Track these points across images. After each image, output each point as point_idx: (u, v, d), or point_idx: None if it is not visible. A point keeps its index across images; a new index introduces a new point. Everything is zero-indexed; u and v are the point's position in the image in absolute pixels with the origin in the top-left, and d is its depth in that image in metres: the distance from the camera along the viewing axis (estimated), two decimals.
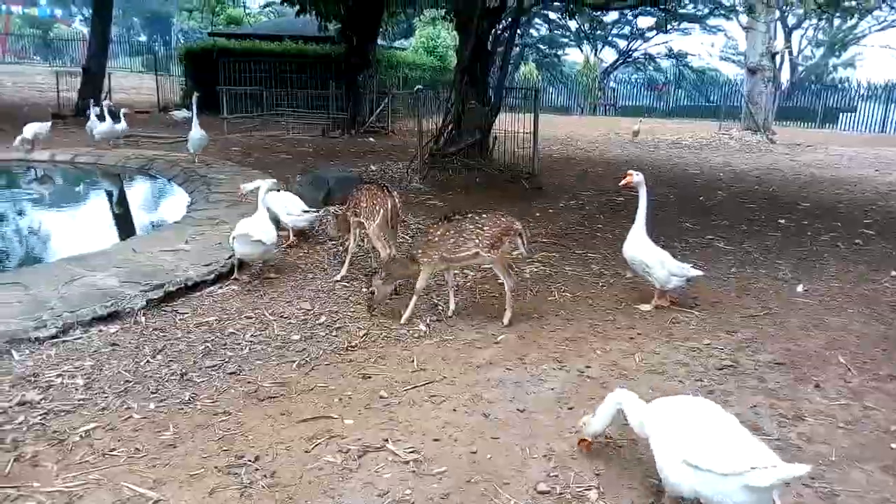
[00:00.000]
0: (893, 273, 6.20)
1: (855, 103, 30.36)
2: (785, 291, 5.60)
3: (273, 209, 6.04)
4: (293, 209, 6.25)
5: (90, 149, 11.68)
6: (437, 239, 4.49)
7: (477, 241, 4.45)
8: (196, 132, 10.56)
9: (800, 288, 5.68)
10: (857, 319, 4.98)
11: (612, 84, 40.14)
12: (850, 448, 3.20)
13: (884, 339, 4.60)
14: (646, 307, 5.01)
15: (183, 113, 16.71)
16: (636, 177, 4.81)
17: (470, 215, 4.56)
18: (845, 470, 3.02)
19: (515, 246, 4.60)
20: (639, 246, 4.93)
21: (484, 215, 4.55)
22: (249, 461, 2.91)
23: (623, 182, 4.81)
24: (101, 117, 12.22)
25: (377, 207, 5.25)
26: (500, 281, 5.57)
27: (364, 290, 4.69)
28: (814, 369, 4.08)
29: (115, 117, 12.18)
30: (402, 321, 4.56)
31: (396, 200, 5.30)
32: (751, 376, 3.96)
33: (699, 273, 5.01)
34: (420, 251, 4.55)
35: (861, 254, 6.95)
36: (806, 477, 2.90)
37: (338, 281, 5.43)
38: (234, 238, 5.10)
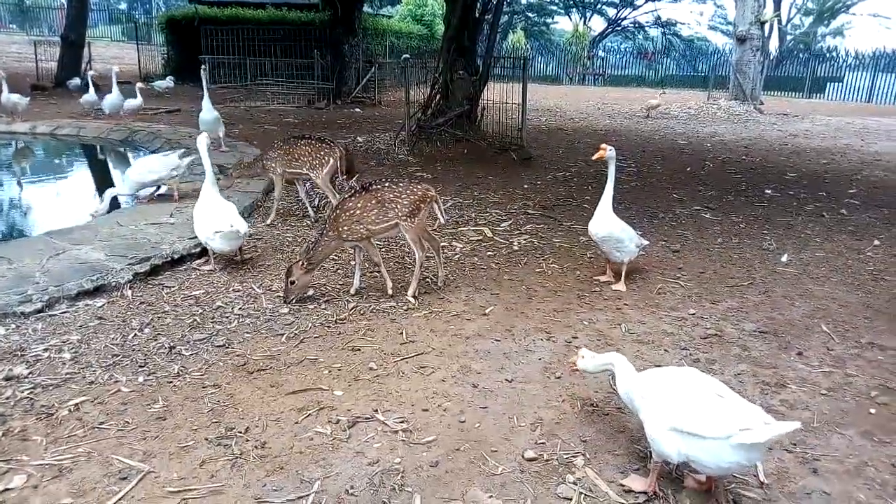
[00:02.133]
0: (876, 242, 6.28)
1: (842, 73, 30.37)
2: (770, 261, 5.66)
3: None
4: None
5: (71, 120, 11.49)
6: (359, 212, 4.39)
7: (396, 210, 4.42)
8: (208, 112, 9.16)
9: (784, 258, 5.74)
10: (841, 288, 5.05)
11: (601, 53, 39.85)
12: (831, 414, 3.27)
13: (866, 308, 4.67)
14: (620, 286, 4.85)
15: (165, 83, 16.43)
16: (609, 151, 4.68)
17: (388, 185, 4.49)
18: (826, 435, 3.08)
19: (433, 213, 4.62)
20: (611, 222, 4.83)
21: (401, 184, 4.50)
22: (240, 433, 2.93)
23: (596, 156, 4.71)
24: (84, 88, 12.02)
25: (325, 158, 5.99)
26: (489, 253, 5.60)
27: (283, 278, 4.43)
28: (797, 338, 4.14)
29: (130, 92, 11.77)
30: (389, 292, 4.56)
31: (344, 151, 6.06)
32: (735, 345, 4.02)
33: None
34: (345, 227, 4.39)
35: (845, 223, 7.02)
36: (791, 438, 2.97)
37: (267, 224, 6.07)
38: (215, 233, 4.68)
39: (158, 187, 6.53)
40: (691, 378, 2.64)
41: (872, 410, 3.31)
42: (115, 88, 11.52)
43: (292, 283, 4.35)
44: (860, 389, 3.52)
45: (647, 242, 5.06)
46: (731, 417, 2.38)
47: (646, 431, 2.61)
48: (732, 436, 2.34)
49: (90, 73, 13.19)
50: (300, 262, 4.36)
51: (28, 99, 11.32)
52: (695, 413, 2.45)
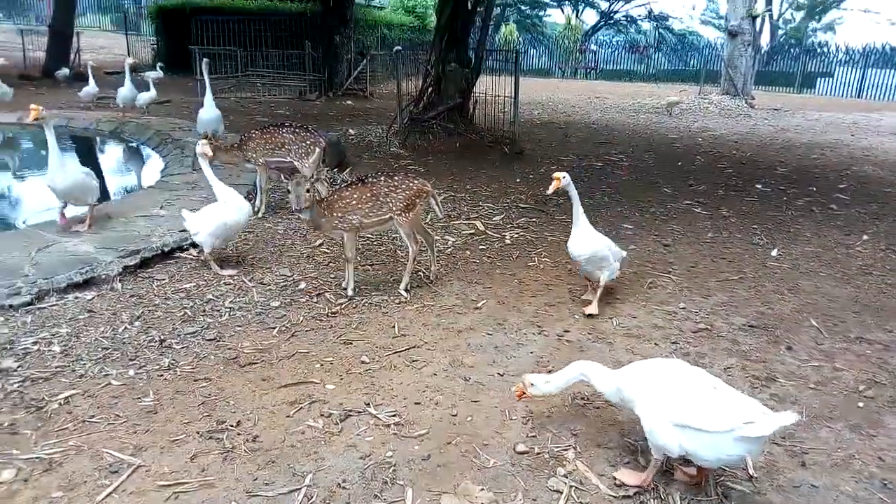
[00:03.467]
0: (865, 237, 6.33)
1: (833, 68, 30.51)
2: (760, 256, 5.69)
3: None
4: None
5: (60, 111, 11.35)
6: (354, 202, 4.36)
7: (391, 204, 4.40)
8: (209, 110, 8.30)
9: (774, 252, 5.77)
10: (830, 283, 5.09)
11: (593, 47, 39.81)
12: (819, 408, 3.30)
13: (855, 303, 4.71)
14: (593, 308, 4.32)
15: (155, 73, 16.26)
16: (564, 179, 4.18)
17: (383, 178, 4.46)
18: (815, 429, 3.12)
19: (430, 208, 4.59)
20: (593, 239, 4.39)
21: (396, 178, 4.47)
22: (231, 426, 2.93)
23: (551, 188, 4.18)
24: (73, 79, 11.77)
25: (311, 147, 5.96)
26: (481, 246, 5.60)
27: (296, 188, 4.18)
28: (786, 332, 4.18)
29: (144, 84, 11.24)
30: (349, 292, 4.43)
31: (325, 143, 6.11)
32: (725, 339, 4.04)
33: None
34: (338, 215, 4.33)
35: (835, 218, 7.07)
36: (780, 431, 3.00)
37: (258, 217, 6.00)
38: (209, 233, 4.55)
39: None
40: (683, 371, 2.65)
41: (860, 404, 3.35)
42: (127, 81, 10.89)
43: (308, 191, 4.16)
44: (848, 383, 3.56)
45: (625, 254, 4.69)
46: (734, 411, 2.40)
47: (644, 426, 2.60)
48: (735, 429, 2.35)
49: (89, 63, 12.59)
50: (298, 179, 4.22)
51: (11, 90, 11.14)
52: (697, 407, 2.46)
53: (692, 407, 2.47)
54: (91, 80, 11.88)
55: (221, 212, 4.66)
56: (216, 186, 4.82)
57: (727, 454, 2.42)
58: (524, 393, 2.96)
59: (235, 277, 4.64)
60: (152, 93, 11.25)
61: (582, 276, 4.70)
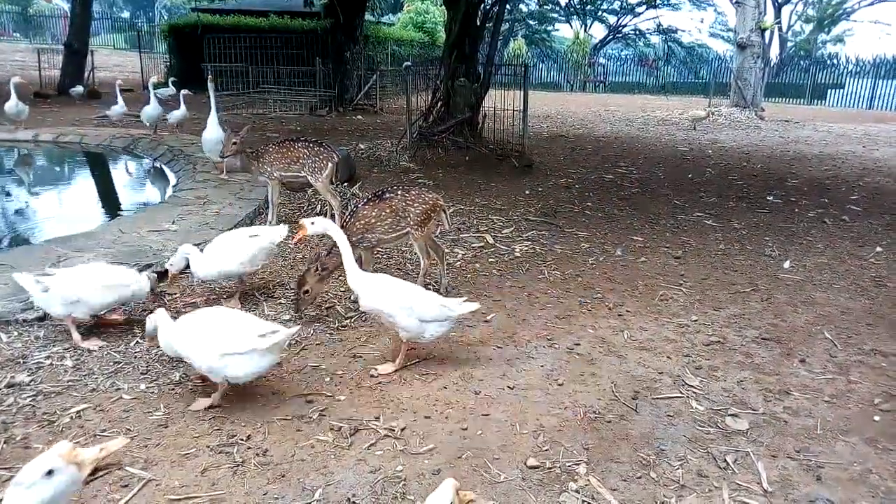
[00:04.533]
0: (879, 249, 6.27)
1: (843, 79, 30.42)
2: (772, 268, 5.65)
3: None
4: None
5: (73, 127, 11.52)
6: (374, 220, 4.35)
7: (409, 219, 4.40)
8: (214, 131, 7.71)
9: (787, 264, 5.73)
10: (843, 295, 5.04)
11: (601, 60, 39.95)
12: (834, 421, 3.26)
13: (868, 314, 4.66)
14: (385, 368, 3.66)
15: (168, 90, 16.48)
16: (310, 228, 3.61)
17: (400, 193, 4.45)
18: (830, 443, 3.07)
19: (440, 221, 4.62)
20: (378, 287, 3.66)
21: (412, 192, 4.48)
22: (241, 440, 2.93)
23: (296, 239, 3.78)
24: (83, 97, 11.87)
25: (324, 162, 5.97)
26: (490, 259, 5.60)
27: (296, 290, 4.18)
28: (800, 344, 4.13)
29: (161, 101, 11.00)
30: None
31: (339, 157, 6.16)
32: (738, 352, 4.01)
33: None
34: (358, 236, 4.29)
35: (847, 230, 7.02)
36: (795, 445, 2.96)
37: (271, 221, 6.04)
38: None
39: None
40: (219, 314, 3.26)
41: (876, 418, 3.30)
42: (153, 99, 10.57)
43: (306, 292, 4.15)
44: (863, 396, 3.51)
45: (454, 314, 3.68)
46: (253, 332, 3.06)
47: (197, 365, 3.12)
48: (255, 346, 3.02)
49: (118, 82, 12.31)
50: (314, 270, 4.14)
51: (27, 108, 11.26)
52: (228, 337, 3.05)
53: (226, 338, 3.05)
54: (119, 99, 11.83)
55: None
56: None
57: (259, 366, 3.10)
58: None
59: (245, 292, 4.65)
60: (183, 110, 10.84)
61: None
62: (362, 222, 4.36)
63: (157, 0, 52.08)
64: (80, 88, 16.32)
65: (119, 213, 7.37)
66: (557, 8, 39.31)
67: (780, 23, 35.84)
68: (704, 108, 18.64)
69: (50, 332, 3.86)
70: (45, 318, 3.98)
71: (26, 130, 10.92)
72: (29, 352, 3.62)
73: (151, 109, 10.56)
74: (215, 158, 7.76)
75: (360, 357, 3.78)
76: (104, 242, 5.19)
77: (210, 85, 8.11)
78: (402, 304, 3.49)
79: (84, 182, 9.56)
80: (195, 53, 17.11)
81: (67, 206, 7.94)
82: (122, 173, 9.91)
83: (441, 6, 20.19)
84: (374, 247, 4.44)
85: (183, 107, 10.93)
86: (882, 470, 2.87)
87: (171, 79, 15.09)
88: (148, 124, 10.81)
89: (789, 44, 41.35)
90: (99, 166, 10.17)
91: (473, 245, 6.01)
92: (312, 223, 3.62)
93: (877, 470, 2.87)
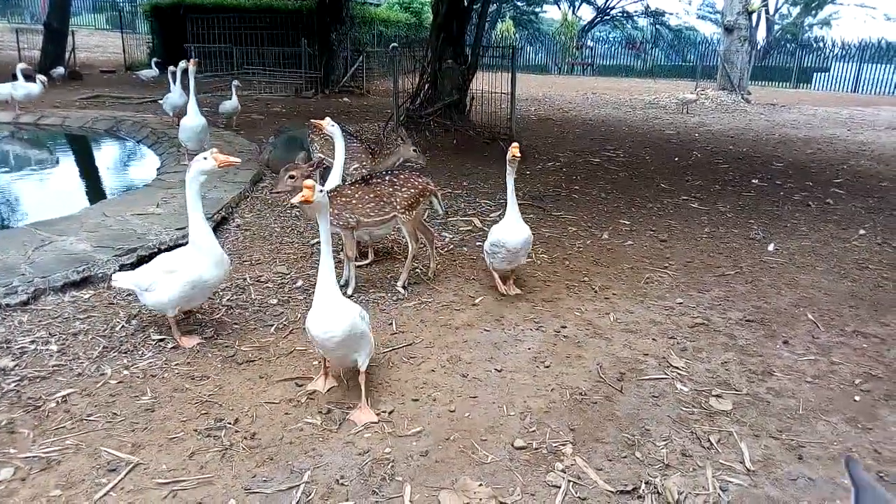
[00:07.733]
0: (862, 231, 6.35)
1: (829, 63, 30.57)
2: (756, 250, 5.70)
3: None
4: None
5: (55, 109, 11.33)
6: (354, 201, 4.34)
7: (395, 203, 4.39)
8: (193, 118, 7.27)
9: (771, 247, 5.78)
10: (826, 277, 5.11)
11: (589, 43, 39.81)
12: (816, 401, 3.31)
13: (851, 297, 4.73)
14: (515, 290, 4.53)
15: (150, 72, 16.24)
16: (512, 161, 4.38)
17: (388, 177, 4.44)
18: (811, 422, 3.13)
19: (432, 206, 4.60)
20: (524, 228, 4.46)
21: (401, 176, 4.46)
22: (229, 424, 2.93)
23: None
24: (64, 77, 11.62)
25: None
26: (478, 243, 5.60)
27: (281, 172, 3.93)
28: (783, 326, 4.19)
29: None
30: (349, 291, 4.41)
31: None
32: (722, 333, 4.05)
33: None
34: (334, 211, 4.23)
35: (831, 213, 7.09)
36: (777, 426, 3.01)
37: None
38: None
39: None
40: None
41: (857, 398, 3.36)
42: (176, 86, 9.60)
43: (292, 177, 3.84)
44: (844, 377, 3.57)
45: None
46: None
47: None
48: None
49: (170, 68, 9.99)
50: (309, 169, 3.90)
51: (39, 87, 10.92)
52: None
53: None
54: (178, 87, 9.73)
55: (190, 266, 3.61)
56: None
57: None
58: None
59: (232, 275, 4.63)
60: (234, 101, 10.07)
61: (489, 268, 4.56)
62: (342, 199, 4.30)
63: None
64: (60, 70, 16.03)
65: (103, 196, 7.28)
66: None
67: (766, 6, 35.83)
68: (693, 90, 18.65)
69: (34, 317, 3.82)
70: (27, 302, 3.95)
71: (6, 112, 10.73)
72: (13, 336, 3.59)
73: (176, 97, 9.59)
74: (192, 147, 7.29)
75: None
76: (88, 226, 5.13)
77: (191, 69, 7.56)
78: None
79: (67, 165, 9.42)
80: (178, 34, 16.84)
81: (50, 190, 7.83)
82: (106, 156, 9.78)
83: None
84: (352, 228, 4.37)
85: (235, 98, 10.40)
86: (861, 449, 2.93)
87: (154, 60, 14.82)
88: (171, 113, 9.91)
89: (776, 27, 41.39)
90: (82, 149, 10.03)
91: (462, 229, 6.01)
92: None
93: (856, 449, 2.93)
